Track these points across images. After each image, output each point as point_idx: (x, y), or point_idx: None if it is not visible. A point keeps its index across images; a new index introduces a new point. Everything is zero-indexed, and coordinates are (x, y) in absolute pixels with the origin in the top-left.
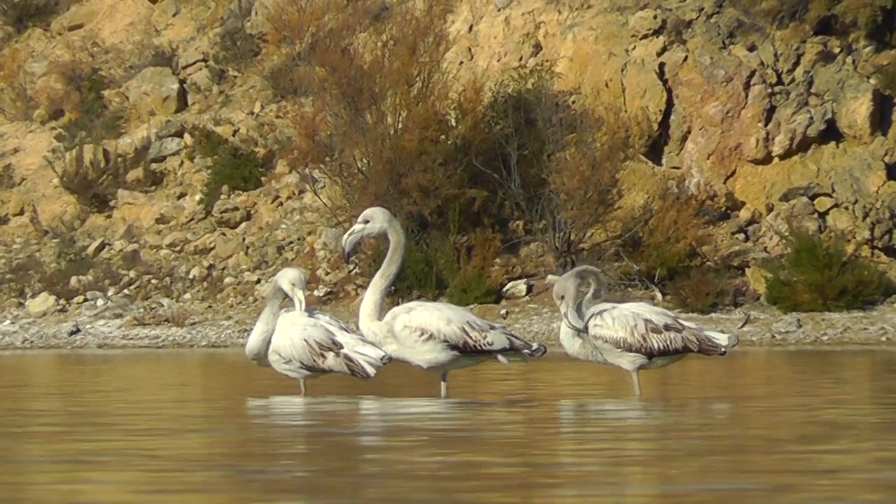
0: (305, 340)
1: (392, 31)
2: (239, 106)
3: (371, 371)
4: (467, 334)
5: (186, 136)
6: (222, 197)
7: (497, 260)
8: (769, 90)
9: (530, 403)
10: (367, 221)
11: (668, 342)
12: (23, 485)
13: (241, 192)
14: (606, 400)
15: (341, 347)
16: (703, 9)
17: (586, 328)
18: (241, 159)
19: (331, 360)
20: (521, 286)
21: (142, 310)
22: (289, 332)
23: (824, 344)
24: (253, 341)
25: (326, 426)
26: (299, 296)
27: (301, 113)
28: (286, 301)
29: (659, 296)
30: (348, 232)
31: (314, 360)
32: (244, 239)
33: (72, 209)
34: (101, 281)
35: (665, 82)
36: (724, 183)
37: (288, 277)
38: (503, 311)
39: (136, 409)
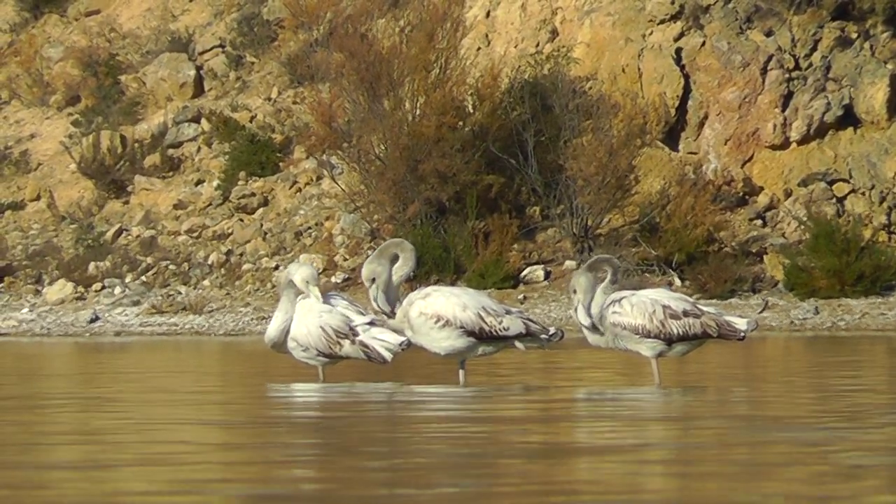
0: (321, 328)
1: (410, 17)
2: (256, 92)
3: (388, 356)
4: (483, 320)
5: (203, 121)
6: (240, 183)
7: (515, 245)
8: (786, 75)
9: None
10: (373, 279)
11: (687, 328)
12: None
13: (258, 178)
14: (625, 388)
15: (357, 334)
16: None
17: (593, 324)
18: (259, 145)
19: (347, 347)
20: (538, 272)
21: (160, 297)
22: (305, 320)
23: (841, 330)
24: (272, 330)
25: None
26: (315, 293)
27: (318, 99)
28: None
29: (678, 281)
30: (371, 298)
31: (331, 348)
32: (262, 225)
33: (89, 195)
34: (118, 267)
35: (682, 68)
36: (742, 168)
37: (297, 281)
38: (521, 297)
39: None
